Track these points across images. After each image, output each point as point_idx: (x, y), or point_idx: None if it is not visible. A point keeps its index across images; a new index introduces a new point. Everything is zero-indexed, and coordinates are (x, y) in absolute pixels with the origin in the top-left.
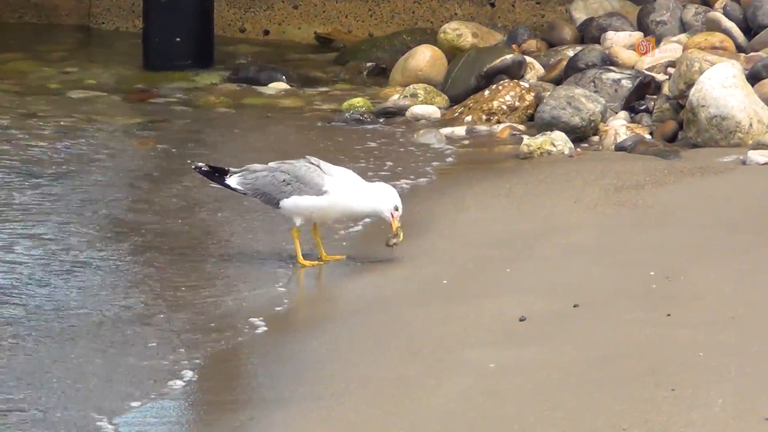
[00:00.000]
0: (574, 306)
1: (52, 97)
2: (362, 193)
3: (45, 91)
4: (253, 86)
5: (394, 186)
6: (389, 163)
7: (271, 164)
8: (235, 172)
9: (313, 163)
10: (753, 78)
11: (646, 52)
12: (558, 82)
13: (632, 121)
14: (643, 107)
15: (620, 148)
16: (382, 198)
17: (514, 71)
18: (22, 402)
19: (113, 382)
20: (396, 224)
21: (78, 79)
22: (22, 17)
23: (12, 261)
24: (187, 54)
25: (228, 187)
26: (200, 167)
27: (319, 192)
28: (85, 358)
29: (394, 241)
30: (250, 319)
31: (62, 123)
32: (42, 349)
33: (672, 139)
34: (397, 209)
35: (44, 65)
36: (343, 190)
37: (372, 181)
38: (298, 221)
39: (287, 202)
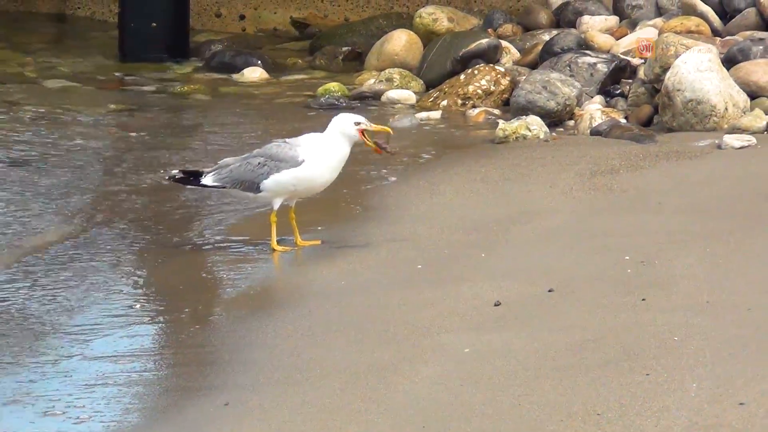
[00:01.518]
0: (549, 291)
1: (28, 85)
2: (328, 140)
3: (21, 79)
4: (229, 73)
5: (370, 173)
6: (364, 148)
7: (242, 156)
8: (209, 172)
9: (281, 141)
10: (728, 62)
11: (646, 53)
12: (533, 66)
13: (608, 105)
14: (618, 91)
15: (595, 132)
16: (341, 126)
17: (490, 56)
18: None
19: (82, 369)
20: (368, 140)
21: (53, 68)
22: None
23: None
24: (162, 45)
25: (205, 186)
26: (174, 176)
27: (296, 163)
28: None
29: (386, 146)
30: (224, 304)
31: (38, 111)
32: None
33: (647, 123)
34: (359, 123)
35: (21, 55)
36: (316, 152)
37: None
38: (277, 203)
39: (267, 182)
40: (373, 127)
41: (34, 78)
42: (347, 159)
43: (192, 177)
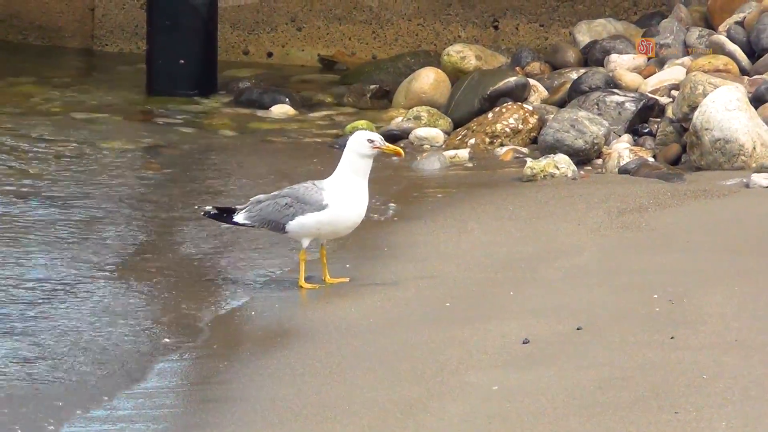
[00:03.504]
0: (578, 329)
1: (55, 118)
2: (349, 180)
3: (48, 113)
4: (257, 109)
5: (398, 210)
6: (393, 187)
7: (273, 193)
8: (241, 209)
9: (309, 184)
10: (757, 101)
11: (646, 53)
12: (561, 104)
13: (636, 144)
14: (646, 130)
15: (624, 171)
16: (356, 147)
17: (518, 94)
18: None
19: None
20: (386, 147)
21: (81, 103)
22: (26, 38)
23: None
24: (190, 80)
25: (237, 224)
26: (208, 211)
27: (320, 207)
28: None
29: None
30: (252, 340)
31: (65, 146)
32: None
33: (675, 162)
34: (372, 141)
35: (49, 89)
36: (340, 196)
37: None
38: (305, 242)
39: (292, 224)
40: (387, 147)
41: (60, 112)
42: (363, 174)
43: (225, 213)
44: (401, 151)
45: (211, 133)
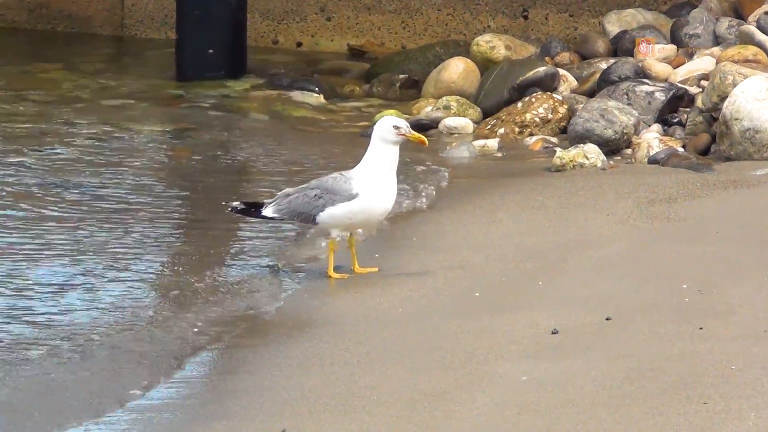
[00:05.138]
0: (607, 319)
1: (85, 105)
2: (378, 168)
3: (78, 100)
4: (286, 95)
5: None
6: (422, 176)
7: (300, 186)
8: (270, 203)
9: (338, 174)
10: None
11: (646, 53)
12: (591, 94)
13: (665, 133)
14: (676, 120)
15: (653, 161)
16: (382, 133)
17: (547, 84)
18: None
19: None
20: (411, 135)
21: (111, 88)
22: (55, 28)
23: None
24: (220, 64)
25: (265, 218)
26: (235, 207)
27: (350, 197)
28: (107, 357)
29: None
30: (280, 330)
31: (95, 130)
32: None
33: (705, 152)
34: (398, 128)
35: (79, 76)
36: (369, 185)
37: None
38: (335, 233)
39: (323, 215)
40: (412, 134)
41: (90, 98)
42: (393, 164)
43: (253, 208)
44: (425, 140)
45: (241, 114)
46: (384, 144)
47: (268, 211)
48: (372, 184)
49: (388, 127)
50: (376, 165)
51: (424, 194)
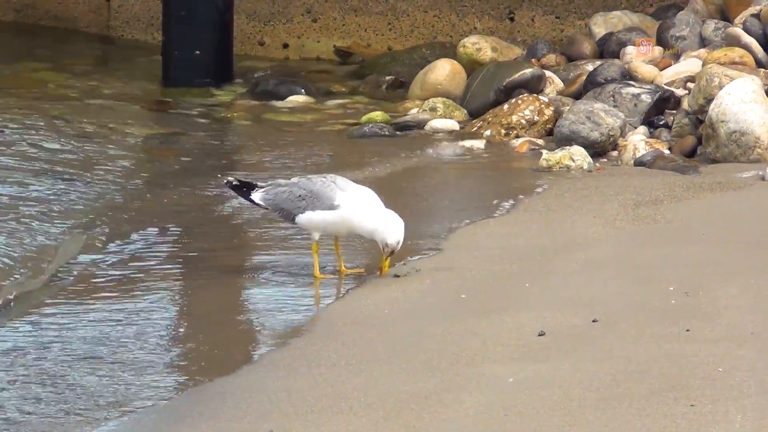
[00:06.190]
0: (593, 321)
1: (71, 105)
2: (370, 214)
3: (65, 98)
4: (273, 100)
5: (417, 204)
6: (409, 177)
7: (293, 179)
8: (261, 187)
9: (329, 179)
10: None
11: (646, 53)
12: (577, 96)
13: (651, 136)
14: (662, 122)
15: (639, 163)
16: (385, 227)
17: (534, 85)
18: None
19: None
20: (385, 260)
21: (97, 90)
22: (41, 27)
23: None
24: (206, 70)
25: (252, 201)
26: (231, 182)
27: (330, 206)
28: (103, 368)
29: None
30: (267, 331)
31: (82, 130)
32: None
33: (691, 154)
34: (387, 246)
35: (68, 77)
36: (354, 207)
37: (388, 208)
38: (315, 235)
39: (302, 217)
40: (385, 261)
41: (77, 98)
42: (364, 234)
43: (245, 188)
44: (384, 270)
45: (226, 122)
46: (371, 233)
47: (256, 196)
48: (358, 205)
49: (388, 239)
50: (369, 201)
51: (409, 197)
